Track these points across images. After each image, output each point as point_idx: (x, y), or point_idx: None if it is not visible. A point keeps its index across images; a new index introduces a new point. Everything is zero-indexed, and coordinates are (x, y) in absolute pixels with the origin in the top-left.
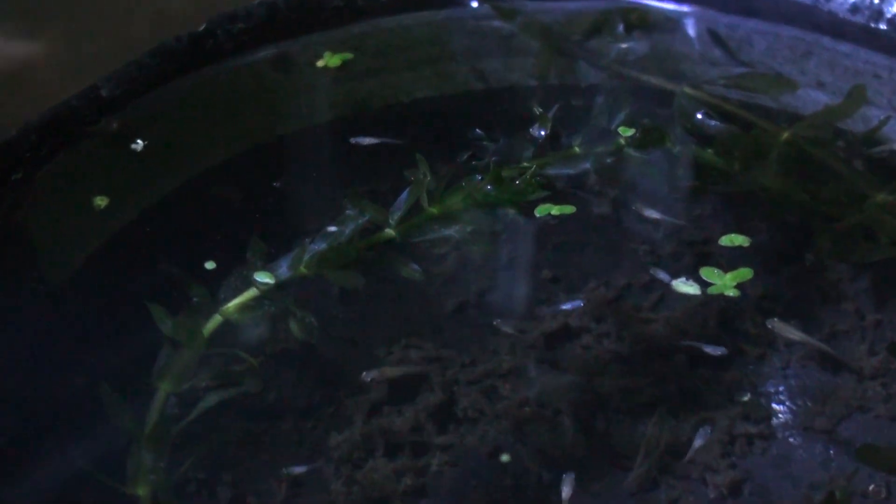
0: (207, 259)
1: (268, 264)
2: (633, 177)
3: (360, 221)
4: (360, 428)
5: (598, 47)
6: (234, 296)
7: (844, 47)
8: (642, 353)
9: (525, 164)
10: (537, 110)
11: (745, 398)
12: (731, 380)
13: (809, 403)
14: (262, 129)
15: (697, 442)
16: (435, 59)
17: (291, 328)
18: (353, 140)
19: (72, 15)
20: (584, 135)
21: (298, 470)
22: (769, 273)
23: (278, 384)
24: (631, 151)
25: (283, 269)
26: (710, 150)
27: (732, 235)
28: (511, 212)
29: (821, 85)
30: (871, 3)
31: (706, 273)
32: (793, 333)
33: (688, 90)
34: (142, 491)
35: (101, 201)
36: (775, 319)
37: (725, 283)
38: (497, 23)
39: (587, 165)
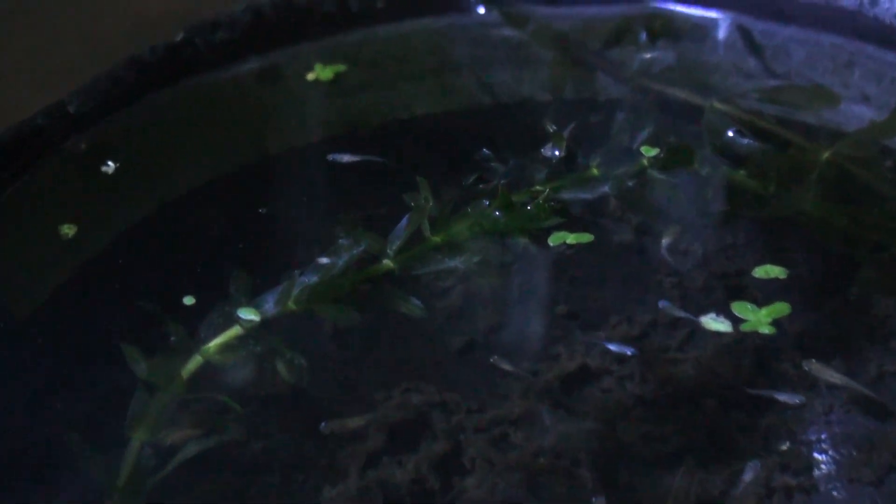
0: (186, 294)
1: (253, 299)
2: (657, 201)
3: (354, 251)
4: (355, 481)
5: (618, 57)
6: (216, 334)
7: (891, 56)
8: (669, 396)
9: (537, 187)
10: (551, 128)
11: (784, 447)
12: (768, 426)
13: (854, 453)
14: (246, 149)
15: (731, 495)
16: (437, 71)
17: (279, 370)
18: (330, 157)
19: (35, 23)
20: (603, 155)
21: None
22: (808, 308)
23: (265, 432)
24: (655, 173)
25: (270, 305)
26: (742, 172)
27: (768, 266)
28: (522, 240)
29: (865, 98)
30: None
31: (739, 308)
32: (833, 376)
33: (718, 105)
34: None
35: (68, 229)
36: (813, 361)
37: (760, 319)
38: (506, 30)
39: (606, 189)
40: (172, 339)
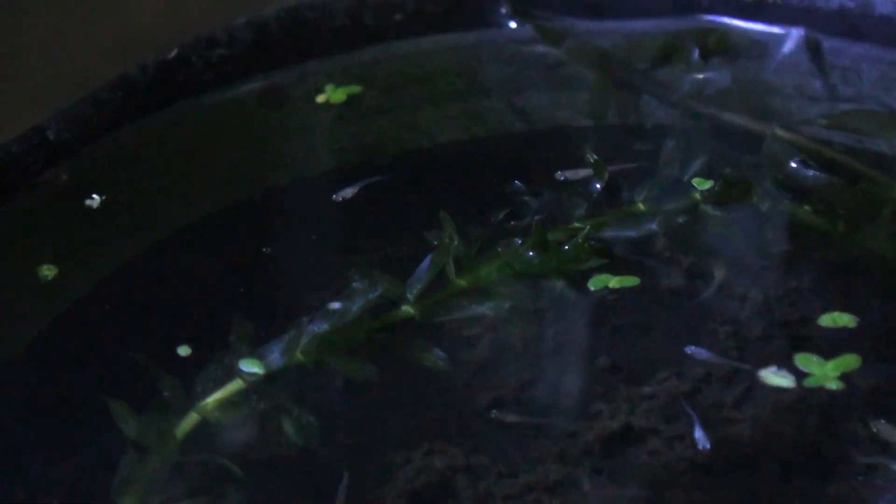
0: (180, 343)
1: (256, 350)
2: (710, 240)
3: (370, 296)
4: None
5: (667, 78)
6: (214, 389)
7: None
8: (724, 460)
9: (576, 224)
10: (591, 157)
11: None
12: (836, 496)
13: None
14: (248, 181)
15: None
16: (463, 94)
17: (285, 430)
18: (342, 190)
19: (11, 40)
20: (650, 188)
21: None
22: (881, 360)
23: (268, 500)
24: (708, 209)
25: (275, 356)
26: (807, 207)
27: (835, 314)
28: (559, 284)
29: None
30: None
31: (802, 361)
32: None
33: (780, 132)
34: None
35: (48, 271)
36: (882, 422)
37: (826, 373)
38: (541, 47)
39: (654, 226)
40: (165, 394)
